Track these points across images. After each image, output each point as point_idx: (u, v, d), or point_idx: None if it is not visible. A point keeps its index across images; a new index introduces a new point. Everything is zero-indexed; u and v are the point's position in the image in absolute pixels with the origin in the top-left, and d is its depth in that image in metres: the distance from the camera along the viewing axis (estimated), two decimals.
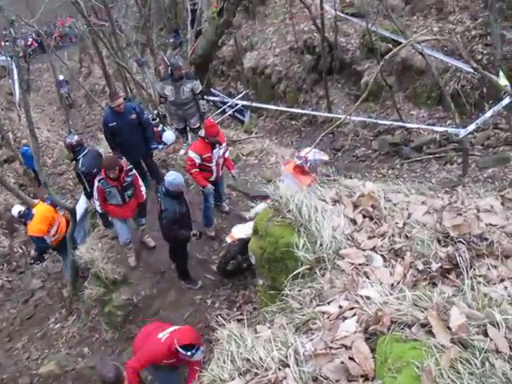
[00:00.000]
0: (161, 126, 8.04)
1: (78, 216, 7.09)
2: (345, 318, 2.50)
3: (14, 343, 7.45)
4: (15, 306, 8.60)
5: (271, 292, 3.28)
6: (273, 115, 12.82)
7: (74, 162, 6.27)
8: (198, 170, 5.97)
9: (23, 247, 10.39)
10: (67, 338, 6.99)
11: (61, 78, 18.26)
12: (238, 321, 5.64)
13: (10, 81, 18.08)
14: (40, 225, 6.75)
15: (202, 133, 5.96)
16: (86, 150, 6.16)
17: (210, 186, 6.10)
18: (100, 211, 6.02)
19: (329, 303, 2.73)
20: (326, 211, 3.47)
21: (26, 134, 14.85)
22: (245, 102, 10.50)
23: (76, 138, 6.11)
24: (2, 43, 22.32)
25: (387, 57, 5.47)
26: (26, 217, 6.77)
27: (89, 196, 6.64)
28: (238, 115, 12.15)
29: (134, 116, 6.69)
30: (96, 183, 5.63)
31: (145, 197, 6.19)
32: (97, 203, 5.88)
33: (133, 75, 8.50)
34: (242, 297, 6.01)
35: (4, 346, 7.42)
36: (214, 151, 5.93)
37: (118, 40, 8.95)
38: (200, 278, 6.19)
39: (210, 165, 6.03)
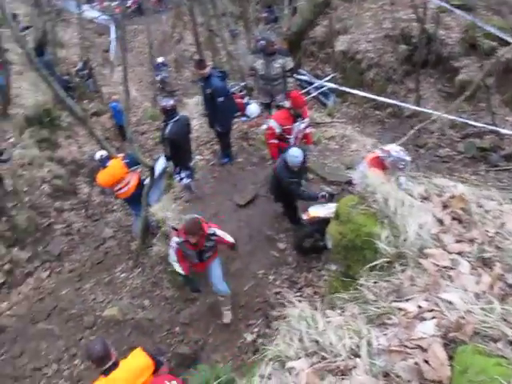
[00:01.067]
0: (246, 98, 8.05)
1: (156, 175, 7.38)
2: (423, 319, 2.39)
3: (82, 284, 7.95)
4: (87, 250, 9.17)
5: (344, 279, 3.20)
6: (357, 102, 12.45)
7: (163, 124, 6.41)
8: (275, 141, 6.11)
9: (101, 196, 10.98)
10: (131, 288, 7.34)
11: (159, 60, 16.48)
12: (298, 301, 5.71)
13: (110, 39, 18.90)
14: (107, 177, 7.27)
15: (286, 104, 6.01)
16: (178, 117, 6.27)
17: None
18: (181, 272, 5.35)
19: (407, 300, 2.62)
20: (412, 206, 3.32)
21: (116, 90, 15.61)
22: (333, 85, 10.25)
23: (171, 102, 6.22)
24: (105, 3, 23.41)
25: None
26: (102, 162, 7.33)
27: (168, 158, 6.83)
28: (323, 98, 11.93)
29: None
30: (174, 244, 5.09)
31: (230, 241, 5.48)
32: (176, 264, 5.27)
33: (226, 44, 8.52)
34: (305, 279, 5.97)
35: (74, 285, 7.95)
36: (295, 124, 6.04)
37: (215, 8, 8.96)
38: (266, 253, 6.21)
39: (289, 137, 6.12)
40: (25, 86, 12.27)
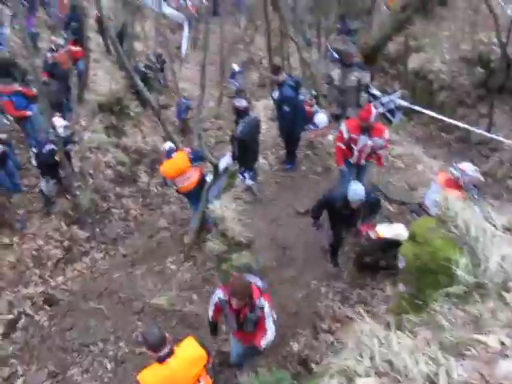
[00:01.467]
0: (315, 106, 8.02)
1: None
2: (506, 356, 2.27)
3: (134, 269, 8.15)
4: (141, 238, 9.41)
5: (415, 301, 3.10)
6: (424, 123, 12.09)
7: (235, 124, 6.48)
8: (342, 145, 6.15)
9: (158, 188, 11.27)
10: (180, 280, 7.45)
11: (235, 67, 15.96)
12: (349, 317, 5.60)
13: (182, 36, 19.42)
14: (171, 168, 7.42)
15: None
16: (249, 118, 6.33)
17: (343, 168, 6.31)
18: (210, 319, 4.79)
19: (487, 334, 2.49)
20: (495, 236, 3.18)
21: (184, 86, 16.02)
22: (403, 102, 10.02)
23: (245, 103, 6.30)
24: (181, 1, 24.08)
25: None
26: (168, 154, 7.51)
27: (234, 157, 6.89)
28: (388, 114, 11.69)
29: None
30: (215, 297, 4.42)
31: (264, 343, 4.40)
32: (210, 313, 4.65)
33: (302, 52, 8.53)
34: (357, 296, 5.85)
35: (126, 269, 8.17)
36: (362, 137, 5.97)
37: (295, 14, 9.00)
38: (320, 265, 6.14)
39: (354, 147, 6.11)
40: (100, 74, 12.84)
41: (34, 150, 8.47)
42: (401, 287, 3.35)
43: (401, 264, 3.27)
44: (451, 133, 11.21)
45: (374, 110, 5.91)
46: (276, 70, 6.92)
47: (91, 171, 10.06)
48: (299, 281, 6.08)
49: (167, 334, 3.47)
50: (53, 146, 8.08)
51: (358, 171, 6.42)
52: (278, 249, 6.45)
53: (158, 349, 3.35)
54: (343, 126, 6.08)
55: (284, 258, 6.34)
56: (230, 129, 14.84)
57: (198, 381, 3.58)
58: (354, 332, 2.74)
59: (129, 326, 6.66)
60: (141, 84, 7.04)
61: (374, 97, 11.02)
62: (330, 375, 2.48)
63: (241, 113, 6.26)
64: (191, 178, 7.44)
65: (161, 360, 3.35)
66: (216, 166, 7.00)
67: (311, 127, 7.77)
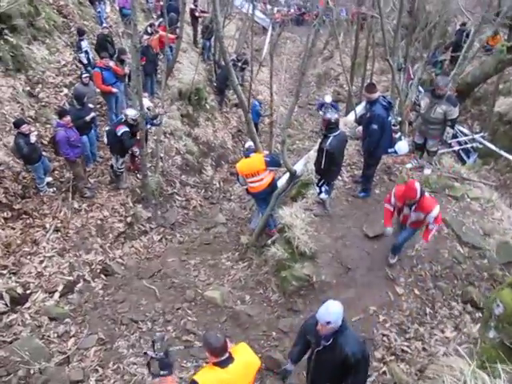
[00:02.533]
0: (399, 133, 7.90)
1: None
2: None
3: (188, 258, 8.30)
4: (198, 229, 9.58)
5: (510, 352, 2.98)
6: (500, 169, 11.73)
7: (322, 136, 6.46)
8: (390, 207, 5.88)
9: (221, 183, 11.45)
10: (233, 278, 7.50)
11: (328, 99, 13.00)
12: (404, 351, 5.46)
13: (265, 39, 19.67)
14: (246, 167, 7.55)
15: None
16: (338, 131, 6.30)
17: (388, 230, 6.05)
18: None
19: None
20: None
21: (258, 88, 16.21)
22: (486, 143, 9.71)
23: (336, 116, 6.26)
24: (268, 6, 24.45)
25: None
26: (247, 152, 7.70)
27: (317, 170, 6.78)
28: (463, 154, 11.37)
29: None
30: None
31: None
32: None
33: (395, 76, 8.44)
34: (415, 332, 5.69)
35: (181, 257, 8.33)
36: (405, 208, 5.66)
37: (396, 41, 8.93)
38: (381, 292, 6.03)
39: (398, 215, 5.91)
40: (185, 63, 13.20)
41: (107, 127, 8.78)
42: (491, 334, 3.22)
43: (498, 310, 3.15)
44: None
45: (417, 187, 5.32)
46: (370, 86, 6.84)
47: (162, 155, 10.34)
48: (357, 304, 5.97)
49: (228, 340, 3.48)
50: (126, 129, 8.28)
51: (403, 228, 6.08)
52: (341, 267, 6.37)
53: (219, 354, 3.36)
54: (393, 190, 5.77)
55: (345, 278, 6.25)
56: (298, 139, 14.94)
57: None
58: (450, 369, 2.67)
59: (179, 312, 6.76)
60: (236, 80, 7.14)
61: (455, 135, 10.75)
62: None
63: (331, 125, 6.22)
64: (264, 180, 7.51)
65: (222, 365, 3.36)
66: (293, 174, 7.02)
67: (391, 153, 7.65)
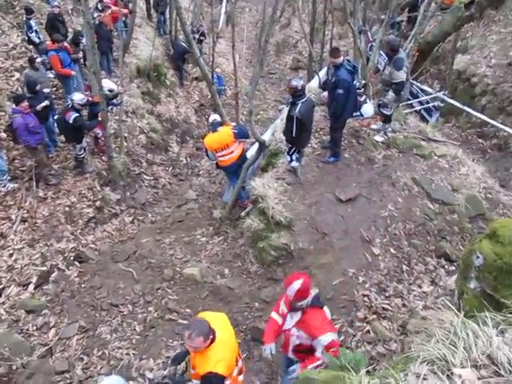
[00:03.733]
0: (364, 97, 7.92)
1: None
2: None
3: (162, 237, 8.18)
4: (169, 207, 9.45)
5: (491, 300, 3.09)
6: (461, 126, 12.02)
7: (290, 103, 6.39)
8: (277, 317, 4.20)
9: (188, 159, 11.28)
10: (210, 253, 7.48)
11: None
12: (385, 309, 5.64)
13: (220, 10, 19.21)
14: (214, 141, 7.46)
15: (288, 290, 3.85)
16: (306, 98, 6.25)
17: (267, 351, 4.14)
18: None
19: None
20: None
21: (216, 60, 15.84)
22: (452, 101, 9.87)
23: (302, 82, 6.21)
24: None
25: None
26: (213, 126, 7.54)
27: (287, 138, 6.74)
28: (425, 113, 11.57)
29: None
30: None
31: None
32: None
33: (357, 40, 8.41)
34: (394, 289, 5.88)
35: (155, 236, 8.21)
36: (289, 314, 4.04)
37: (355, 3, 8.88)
38: (359, 254, 6.16)
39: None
40: (141, 39, 12.73)
41: (54, 117, 8.40)
42: (472, 284, 3.34)
43: (478, 261, 3.26)
44: (489, 139, 11.12)
45: (312, 294, 3.88)
46: (335, 51, 6.78)
47: (126, 135, 10.05)
48: (336, 267, 6.09)
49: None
50: (76, 114, 7.88)
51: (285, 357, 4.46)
52: (317, 233, 6.45)
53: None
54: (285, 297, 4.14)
55: (322, 243, 6.34)
56: (261, 109, 14.80)
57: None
58: (441, 322, 2.74)
59: (159, 293, 6.71)
60: (198, 53, 6.95)
61: (413, 95, 10.89)
62: (420, 361, 2.47)
63: (299, 92, 6.17)
64: (234, 152, 7.44)
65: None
66: (262, 144, 6.97)
67: (357, 116, 7.68)
